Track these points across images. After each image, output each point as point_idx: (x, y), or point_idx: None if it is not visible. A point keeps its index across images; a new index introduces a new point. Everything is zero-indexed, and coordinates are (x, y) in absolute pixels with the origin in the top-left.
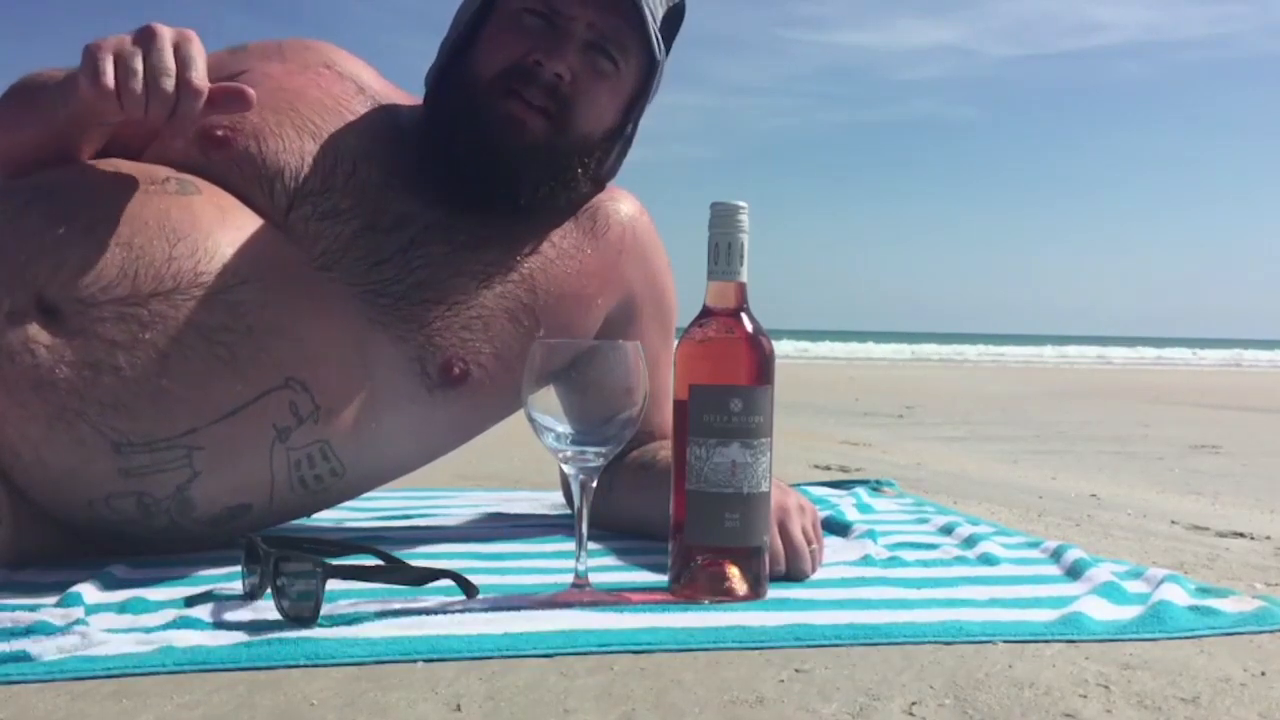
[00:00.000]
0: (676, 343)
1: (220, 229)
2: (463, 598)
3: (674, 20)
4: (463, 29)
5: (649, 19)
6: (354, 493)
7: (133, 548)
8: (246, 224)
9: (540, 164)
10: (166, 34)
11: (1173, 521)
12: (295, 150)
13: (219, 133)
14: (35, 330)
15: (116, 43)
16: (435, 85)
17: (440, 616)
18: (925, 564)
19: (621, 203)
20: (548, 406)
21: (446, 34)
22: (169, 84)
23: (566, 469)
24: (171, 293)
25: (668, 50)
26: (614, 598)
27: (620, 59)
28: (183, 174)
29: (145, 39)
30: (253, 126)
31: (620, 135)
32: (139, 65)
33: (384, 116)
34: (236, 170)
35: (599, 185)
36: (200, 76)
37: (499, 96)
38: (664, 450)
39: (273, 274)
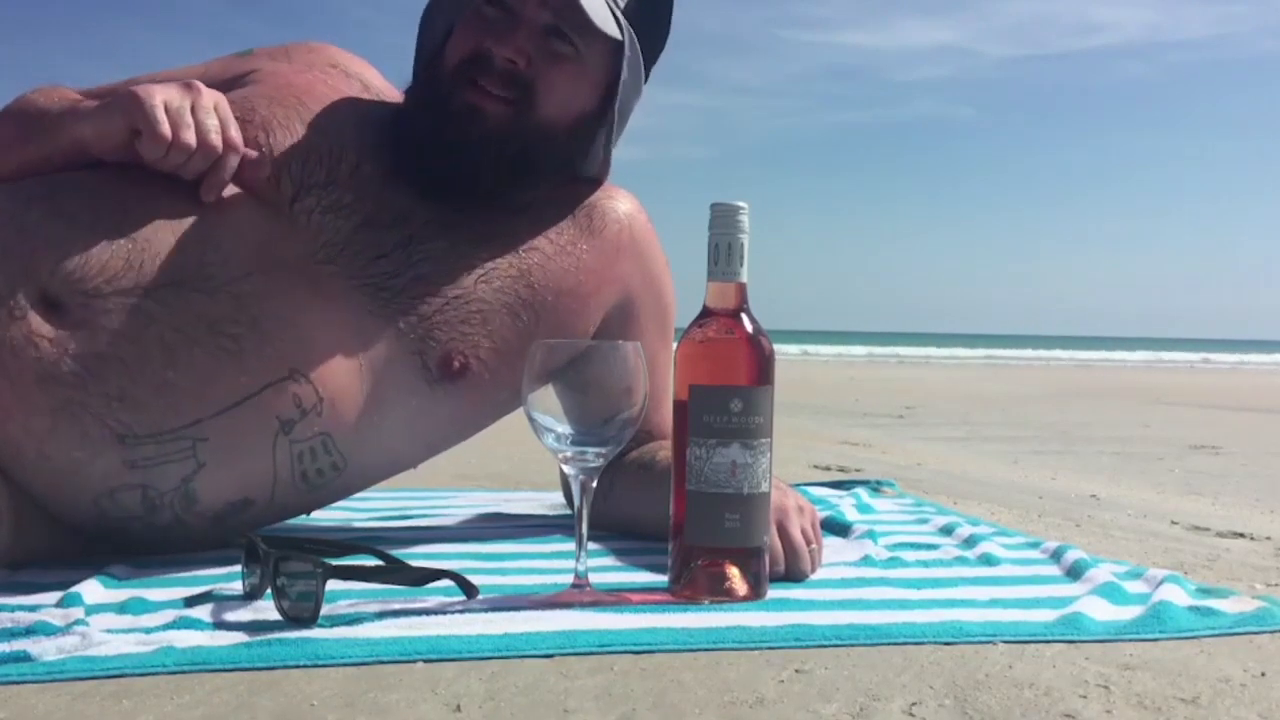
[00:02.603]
0: (676, 343)
1: (224, 221)
2: (463, 598)
3: (663, 2)
4: (437, 27)
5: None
6: (354, 489)
7: (134, 548)
8: (251, 216)
9: (502, 150)
10: (207, 92)
11: (1173, 521)
12: (302, 143)
13: None
14: (38, 324)
15: (164, 93)
16: (412, 81)
17: (440, 617)
18: (925, 564)
19: (619, 201)
20: (548, 407)
21: (418, 38)
22: (218, 141)
23: (566, 469)
24: (177, 284)
25: (658, 31)
26: (614, 598)
27: (579, 41)
28: None
29: (193, 94)
30: (262, 119)
31: (601, 121)
32: (190, 119)
33: (386, 114)
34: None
35: (596, 182)
36: (240, 136)
37: (460, 87)
38: (663, 450)
39: (276, 266)
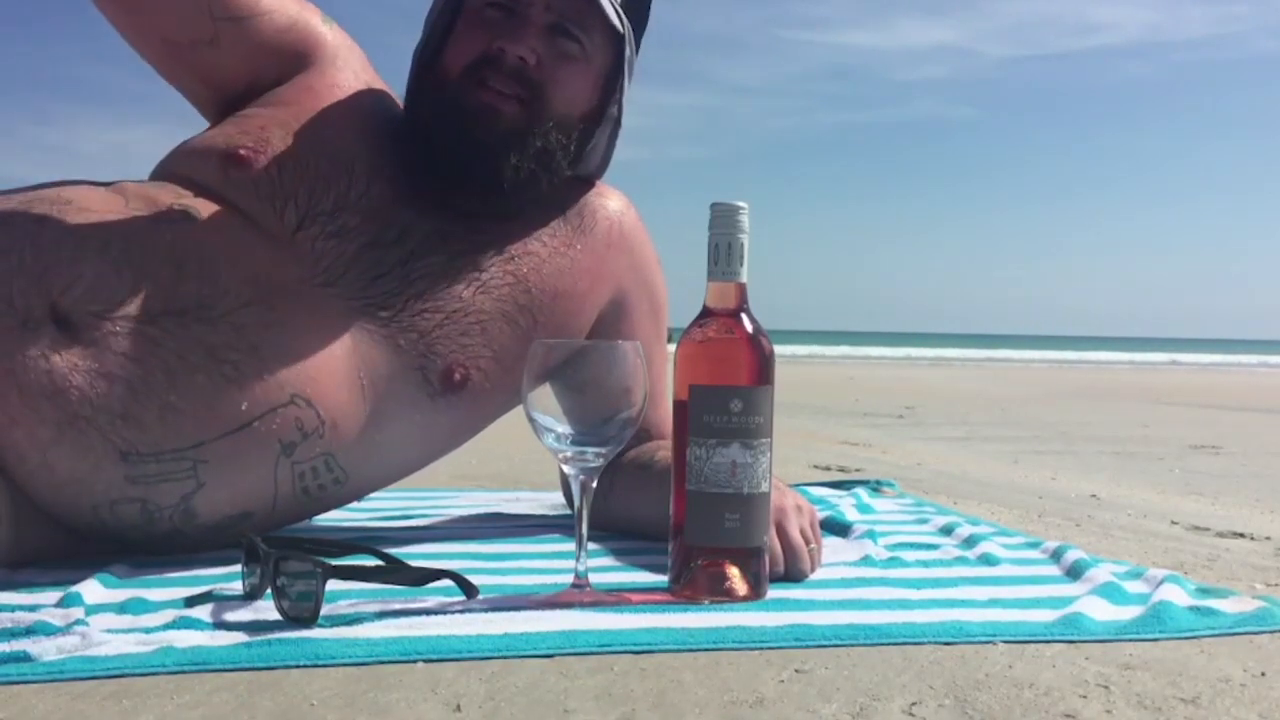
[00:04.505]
0: (677, 343)
1: (223, 255)
2: (463, 598)
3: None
4: (433, 34)
5: None
6: (356, 497)
7: (133, 550)
8: (250, 247)
9: (517, 147)
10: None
11: (1173, 521)
12: (312, 172)
13: (241, 152)
14: (50, 338)
15: (800, 519)
16: (412, 89)
17: (440, 617)
18: (925, 564)
19: (609, 199)
20: (547, 407)
21: (418, 43)
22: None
23: (566, 469)
24: (179, 314)
25: (643, 24)
26: (614, 598)
27: (584, 38)
28: (187, 200)
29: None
30: (275, 152)
31: (602, 117)
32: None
33: (390, 129)
34: (252, 189)
35: (589, 182)
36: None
37: (471, 88)
38: (663, 450)
39: (276, 295)
